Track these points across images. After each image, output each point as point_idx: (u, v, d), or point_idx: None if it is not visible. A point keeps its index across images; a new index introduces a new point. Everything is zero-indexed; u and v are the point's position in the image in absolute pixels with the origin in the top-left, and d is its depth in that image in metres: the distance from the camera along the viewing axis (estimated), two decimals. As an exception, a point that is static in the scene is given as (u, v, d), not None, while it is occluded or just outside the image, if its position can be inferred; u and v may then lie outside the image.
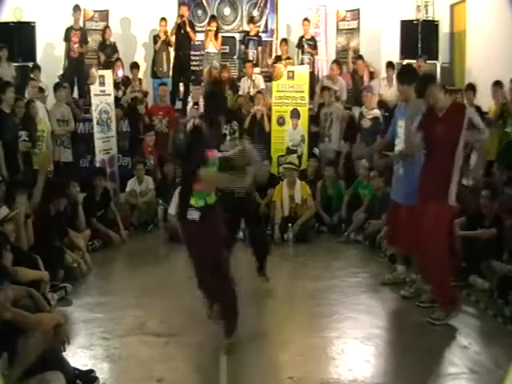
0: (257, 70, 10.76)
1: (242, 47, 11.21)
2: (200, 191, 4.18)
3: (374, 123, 8.64)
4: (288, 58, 10.55)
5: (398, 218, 5.44)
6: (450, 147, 4.76)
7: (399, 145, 5.43)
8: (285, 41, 10.94)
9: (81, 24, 10.62)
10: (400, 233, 5.42)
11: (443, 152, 4.79)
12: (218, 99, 4.48)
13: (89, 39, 10.70)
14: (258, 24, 11.55)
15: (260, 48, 11.12)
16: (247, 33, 11.21)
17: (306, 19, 10.97)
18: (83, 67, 10.24)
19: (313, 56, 10.93)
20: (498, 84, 7.74)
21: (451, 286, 5.01)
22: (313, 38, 10.97)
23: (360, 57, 10.50)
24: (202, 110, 9.32)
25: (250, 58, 10.86)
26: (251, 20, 11.29)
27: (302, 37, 10.92)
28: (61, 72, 10.48)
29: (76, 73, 10.26)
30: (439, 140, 4.77)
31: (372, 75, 10.39)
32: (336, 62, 10.25)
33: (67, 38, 10.37)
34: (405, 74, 5.50)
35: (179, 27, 10.49)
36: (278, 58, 10.67)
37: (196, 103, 9.56)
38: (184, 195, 4.28)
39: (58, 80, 9.69)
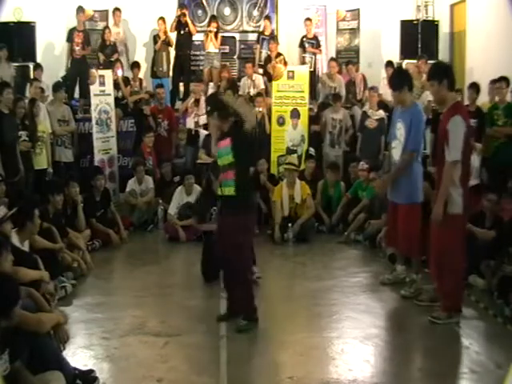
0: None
1: (257, 47, 10.95)
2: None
3: (380, 124, 8.68)
4: (278, 55, 10.38)
5: (396, 217, 5.44)
6: None
7: (397, 147, 5.43)
8: (274, 38, 10.81)
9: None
10: (399, 232, 5.42)
11: None
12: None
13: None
14: (259, 24, 11.54)
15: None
16: (262, 32, 11.09)
17: (308, 19, 10.95)
18: (86, 68, 10.21)
19: (314, 55, 10.89)
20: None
21: (461, 292, 4.95)
22: (315, 37, 10.94)
23: (349, 62, 10.51)
24: (202, 108, 9.32)
25: (263, 59, 10.74)
26: (266, 18, 11.15)
27: (305, 36, 10.90)
28: (61, 72, 10.48)
29: (79, 73, 10.25)
30: None
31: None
32: (334, 59, 10.25)
33: (70, 39, 10.39)
34: (395, 81, 5.51)
35: (179, 25, 10.48)
36: (269, 58, 10.50)
37: (197, 100, 9.50)
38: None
39: (59, 80, 9.68)
